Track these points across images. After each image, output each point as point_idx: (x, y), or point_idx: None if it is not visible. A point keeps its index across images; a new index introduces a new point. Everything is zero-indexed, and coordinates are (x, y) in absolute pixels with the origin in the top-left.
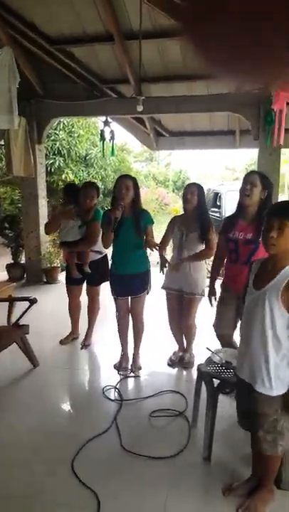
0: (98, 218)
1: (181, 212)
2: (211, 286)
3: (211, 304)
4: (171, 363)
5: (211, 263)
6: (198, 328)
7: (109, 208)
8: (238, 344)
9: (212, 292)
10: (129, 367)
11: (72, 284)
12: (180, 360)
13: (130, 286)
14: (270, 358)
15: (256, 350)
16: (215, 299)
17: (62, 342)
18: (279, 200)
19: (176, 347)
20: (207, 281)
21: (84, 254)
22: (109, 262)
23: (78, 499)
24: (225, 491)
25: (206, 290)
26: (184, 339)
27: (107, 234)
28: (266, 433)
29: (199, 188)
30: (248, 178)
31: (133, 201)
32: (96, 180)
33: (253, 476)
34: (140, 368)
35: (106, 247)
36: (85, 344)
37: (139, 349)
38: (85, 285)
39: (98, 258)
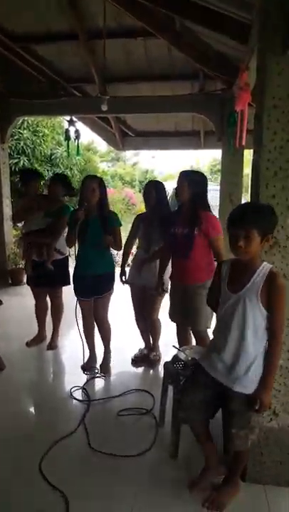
0: (65, 213)
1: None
2: (159, 278)
3: (159, 293)
4: (135, 360)
5: None
6: (166, 326)
7: (75, 207)
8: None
9: (159, 283)
10: (97, 366)
11: (34, 286)
12: (144, 359)
13: (95, 286)
14: (250, 356)
15: (235, 350)
16: (162, 289)
17: (28, 344)
18: (239, 204)
19: (142, 345)
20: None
21: (45, 249)
22: (70, 263)
23: (47, 501)
24: (190, 486)
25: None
26: (150, 336)
27: (71, 233)
28: (240, 429)
29: (157, 185)
30: (178, 180)
31: (99, 202)
32: None
33: (207, 467)
34: (109, 372)
35: (69, 246)
36: (52, 346)
37: (108, 353)
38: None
39: (59, 258)
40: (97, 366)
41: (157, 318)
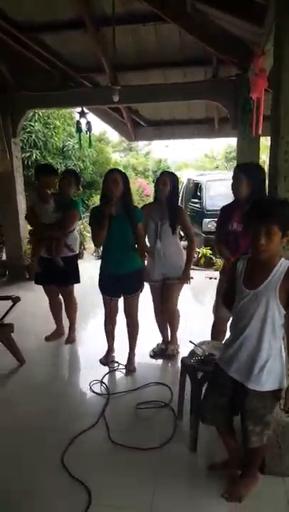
0: (75, 207)
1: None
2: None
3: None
4: (153, 355)
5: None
6: (183, 321)
7: (89, 202)
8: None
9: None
10: (116, 359)
11: (42, 284)
12: (162, 352)
13: (126, 285)
14: (266, 354)
15: (252, 348)
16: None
17: (47, 338)
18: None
19: (160, 339)
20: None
21: (55, 244)
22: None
23: (69, 493)
24: (210, 467)
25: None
26: (168, 328)
27: (101, 231)
28: (255, 426)
29: (171, 177)
30: (234, 175)
31: (123, 196)
32: None
33: (229, 463)
34: (135, 370)
35: (98, 245)
36: (69, 340)
37: (134, 350)
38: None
39: (69, 255)
40: (116, 359)
41: (176, 309)
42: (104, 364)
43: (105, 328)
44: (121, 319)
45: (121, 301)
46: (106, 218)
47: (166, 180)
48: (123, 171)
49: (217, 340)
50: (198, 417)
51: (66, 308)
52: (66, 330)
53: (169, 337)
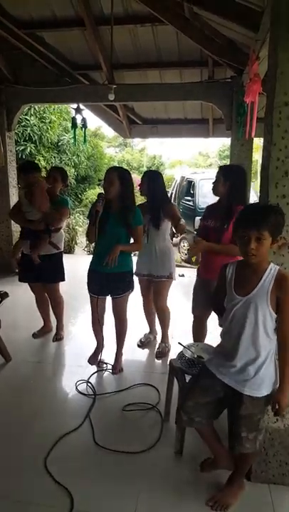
0: (65, 205)
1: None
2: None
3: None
4: (141, 344)
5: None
6: (173, 320)
7: (83, 196)
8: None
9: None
10: (104, 360)
11: (26, 281)
12: (149, 342)
13: (114, 285)
14: (261, 359)
15: (245, 353)
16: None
17: (34, 335)
18: (249, 204)
19: (148, 329)
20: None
21: (38, 242)
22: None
23: (51, 497)
24: (201, 466)
25: (174, 273)
26: (159, 325)
27: (90, 227)
28: (249, 432)
29: (150, 175)
30: (216, 176)
31: (121, 196)
32: (69, 168)
33: (217, 463)
34: (122, 370)
35: (90, 241)
36: (57, 338)
37: (122, 350)
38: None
39: (54, 253)
40: (104, 360)
41: (166, 306)
42: (91, 364)
43: (93, 327)
44: (110, 318)
45: (109, 301)
46: (93, 215)
47: (144, 181)
48: (126, 168)
49: (198, 340)
50: (178, 417)
51: (52, 306)
52: (54, 326)
53: (160, 334)
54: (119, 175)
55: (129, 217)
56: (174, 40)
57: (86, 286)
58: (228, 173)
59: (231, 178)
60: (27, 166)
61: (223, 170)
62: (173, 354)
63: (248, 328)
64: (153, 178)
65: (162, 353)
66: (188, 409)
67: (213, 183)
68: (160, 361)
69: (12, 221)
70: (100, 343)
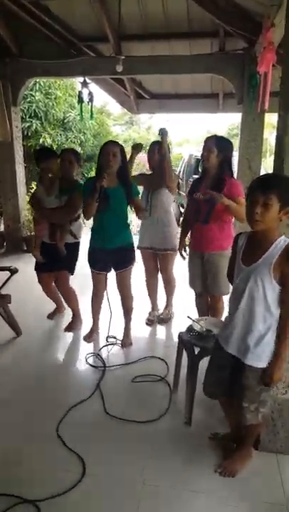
0: (80, 189)
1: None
2: (180, 241)
3: (183, 257)
4: (150, 323)
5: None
6: (180, 297)
7: (90, 176)
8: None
9: (181, 246)
10: (112, 335)
11: (41, 271)
12: (157, 318)
13: (116, 260)
14: (261, 330)
15: (246, 323)
16: (184, 250)
17: (49, 317)
18: (262, 173)
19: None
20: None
21: (60, 231)
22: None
23: (64, 463)
24: (211, 437)
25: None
26: (165, 293)
27: (91, 203)
28: (251, 403)
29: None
30: (205, 144)
31: (120, 170)
32: (75, 146)
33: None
34: (131, 344)
35: (88, 217)
36: (71, 328)
37: (130, 324)
38: None
39: (72, 242)
40: (113, 335)
41: (172, 277)
42: (87, 342)
43: (93, 306)
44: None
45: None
46: (98, 191)
47: (154, 149)
48: (120, 143)
49: (203, 315)
50: (192, 388)
51: (65, 299)
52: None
53: (166, 302)
54: (120, 148)
55: (130, 190)
56: (184, 9)
57: (87, 265)
58: (221, 144)
59: (224, 149)
60: (46, 152)
61: (215, 140)
62: (176, 325)
63: (246, 298)
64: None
65: (164, 319)
66: (211, 383)
67: (203, 153)
68: (168, 336)
69: (19, 199)
70: (97, 321)
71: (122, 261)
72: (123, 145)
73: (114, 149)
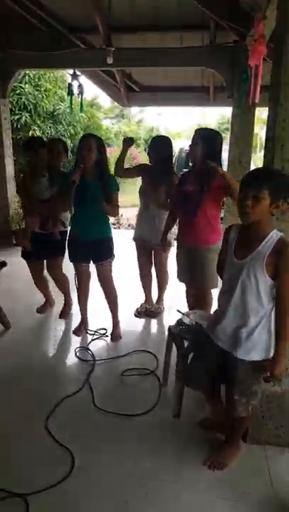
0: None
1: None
2: (164, 234)
3: (164, 251)
4: (138, 314)
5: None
6: (171, 289)
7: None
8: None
9: (164, 240)
10: (102, 327)
11: (31, 259)
12: (146, 311)
13: (95, 252)
14: (252, 323)
15: (238, 317)
16: (169, 244)
17: (39, 311)
18: (253, 168)
19: (143, 299)
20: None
21: (52, 221)
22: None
23: (53, 456)
24: (200, 423)
25: (172, 240)
26: (157, 287)
27: (68, 197)
28: (241, 396)
29: (157, 142)
30: (192, 138)
31: (98, 163)
32: (65, 138)
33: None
34: (120, 337)
35: (64, 210)
36: (64, 315)
37: (117, 317)
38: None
39: (62, 231)
40: (103, 327)
41: (166, 270)
42: (77, 335)
43: (80, 299)
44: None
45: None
46: (72, 184)
47: (158, 144)
48: (99, 136)
49: (192, 308)
50: (181, 382)
51: (57, 284)
52: (55, 300)
53: (158, 295)
54: (96, 142)
55: (107, 184)
56: (175, 1)
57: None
58: (206, 137)
59: (210, 142)
60: (35, 141)
61: (200, 133)
62: (166, 319)
63: (238, 291)
64: (168, 145)
65: (154, 313)
66: (192, 373)
67: (190, 146)
68: (158, 329)
69: (8, 192)
70: (85, 314)
71: (99, 253)
72: (113, 138)
73: (90, 143)
